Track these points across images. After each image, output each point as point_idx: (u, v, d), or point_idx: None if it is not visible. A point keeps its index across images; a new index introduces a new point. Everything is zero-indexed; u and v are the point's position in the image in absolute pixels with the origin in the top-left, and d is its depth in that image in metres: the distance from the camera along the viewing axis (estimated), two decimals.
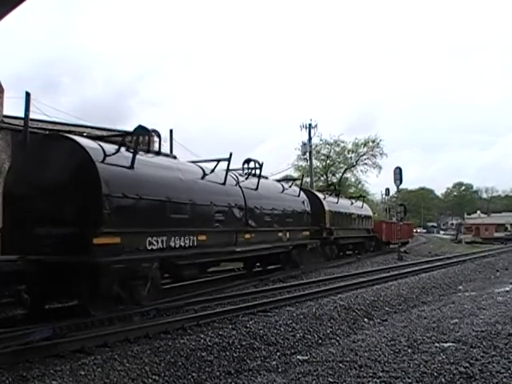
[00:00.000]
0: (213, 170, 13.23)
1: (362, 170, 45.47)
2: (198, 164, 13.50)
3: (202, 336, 7.65)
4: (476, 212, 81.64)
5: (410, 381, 5.56)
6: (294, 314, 9.36)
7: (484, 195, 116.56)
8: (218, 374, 6.28)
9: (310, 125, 36.37)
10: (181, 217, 11.12)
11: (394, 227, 33.39)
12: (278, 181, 20.77)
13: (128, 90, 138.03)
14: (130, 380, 5.85)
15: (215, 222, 12.65)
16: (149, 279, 10.04)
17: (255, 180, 15.68)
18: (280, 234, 16.47)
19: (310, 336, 8.17)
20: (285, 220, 16.83)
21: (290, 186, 19.31)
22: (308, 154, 37.21)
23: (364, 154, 44.99)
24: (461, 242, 53.15)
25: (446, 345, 7.10)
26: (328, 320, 9.19)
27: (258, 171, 16.28)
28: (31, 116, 13.62)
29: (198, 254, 11.56)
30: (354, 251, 27.65)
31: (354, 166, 45.34)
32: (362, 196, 33.16)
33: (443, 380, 5.54)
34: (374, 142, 44.67)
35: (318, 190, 26.90)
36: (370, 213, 32.08)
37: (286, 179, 24.82)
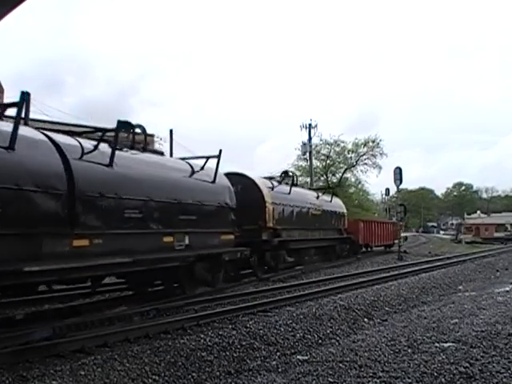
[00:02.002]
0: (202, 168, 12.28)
1: (361, 170, 45.27)
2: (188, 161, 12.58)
3: (202, 336, 7.65)
4: (476, 212, 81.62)
5: (409, 381, 5.56)
6: (294, 314, 9.36)
7: (484, 195, 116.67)
8: (218, 374, 6.29)
9: (309, 125, 36.36)
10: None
11: (374, 227, 29.28)
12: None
13: (129, 90, 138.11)
14: (129, 380, 5.85)
15: None
16: None
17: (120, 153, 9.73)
18: (168, 239, 10.48)
19: (310, 336, 8.17)
20: (177, 217, 10.73)
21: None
22: (308, 153, 37.18)
23: (364, 154, 44.82)
24: (461, 241, 53.11)
25: (446, 345, 7.10)
26: (328, 320, 9.19)
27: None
28: (31, 116, 13.59)
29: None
30: (319, 257, 21.81)
31: (353, 166, 45.18)
32: (330, 187, 27.77)
33: (443, 380, 5.54)
34: (374, 142, 44.49)
35: (268, 178, 19.22)
36: (343, 209, 25.76)
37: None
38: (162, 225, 10.29)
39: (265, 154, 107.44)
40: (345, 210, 25.92)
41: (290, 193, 18.63)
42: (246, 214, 14.52)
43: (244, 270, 15.65)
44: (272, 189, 17.38)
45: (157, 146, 24.88)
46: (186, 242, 11.00)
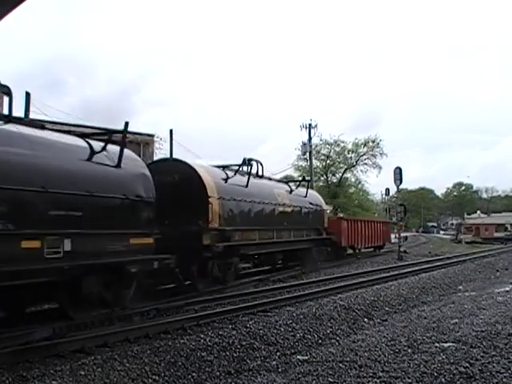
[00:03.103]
0: None
1: (362, 170, 45.33)
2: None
3: (202, 336, 7.66)
4: (476, 212, 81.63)
5: (409, 381, 5.56)
6: (294, 314, 9.36)
7: (484, 195, 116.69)
8: (218, 373, 6.29)
9: (309, 125, 36.33)
10: None
11: (361, 227, 26.00)
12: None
13: (130, 90, 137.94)
14: (129, 380, 5.85)
15: None
16: None
17: None
18: (30, 245, 7.41)
19: (310, 336, 8.17)
20: (47, 213, 7.77)
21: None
22: (308, 154, 37.18)
23: (364, 154, 44.91)
24: (461, 241, 53.06)
25: (446, 345, 7.10)
26: (328, 320, 9.19)
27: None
28: (31, 116, 13.60)
29: None
30: (291, 263, 18.49)
31: (353, 166, 45.26)
32: (305, 180, 22.52)
33: (443, 380, 5.54)
34: (374, 142, 44.59)
35: (222, 166, 15.11)
36: (322, 204, 21.81)
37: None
38: (18, 223, 7.25)
39: (266, 154, 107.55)
40: (324, 207, 22.26)
41: (247, 185, 14.59)
42: (185, 211, 11.95)
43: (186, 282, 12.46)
44: (226, 180, 13.75)
45: (156, 146, 24.90)
46: (67, 248, 7.88)
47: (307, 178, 22.02)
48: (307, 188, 20.73)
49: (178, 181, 12.53)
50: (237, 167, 15.26)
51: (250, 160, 16.01)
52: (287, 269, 17.99)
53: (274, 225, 16.22)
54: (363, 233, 26.22)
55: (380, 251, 30.12)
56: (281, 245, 16.70)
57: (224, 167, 14.93)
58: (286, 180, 20.84)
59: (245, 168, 15.59)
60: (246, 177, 14.93)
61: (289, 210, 17.61)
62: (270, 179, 18.39)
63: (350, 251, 26.12)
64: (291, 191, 18.74)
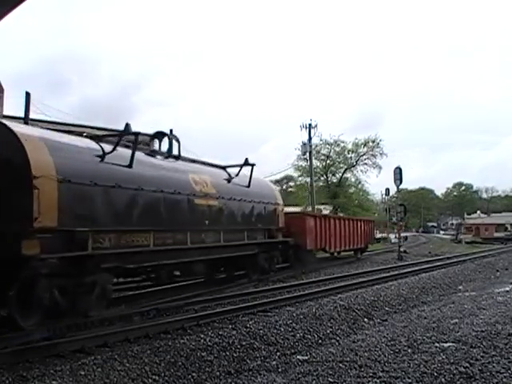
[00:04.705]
0: None
1: (362, 170, 45.28)
2: None
3: (202, 336, 7.65)
4: (476, 212, 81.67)
5: (409, 381, 5.56)
6: (294, 314, 9.36)
7: (484, 195, 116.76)
8: (218, 373, 6.28)
9: (309, 125, 36.30)
10: None
11: (334, 226, 21.76)
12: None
13: (131, 89, 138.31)
14: (129, 380, 5.85)
15: None
16: None
17: None
18: None
19: (310, 336, 8.17)
20: None
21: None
22: (308, 154, 37.16)
23: (364, 154, 44.89)
24: (461, 241, 53.09)
25: (446, 345, 7.10)
26: (328, 320, 9.19)
27: None
28: (31, 116, 13.62)
29: None
30: (225, 274, 14.90)
31: (353, 166, 45.22)
32: (248, 164, 15.26)
33: (443, 380, 5.54)
34: (374, 142, 44.56)
35: (97, 136, 10.77)
36: (276, 198, 16.83)
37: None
38: None
39: (268, 154, 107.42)
40: (279, 200, 17.14)
41: (130, 165, 10.04)
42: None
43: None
44: (101, 158, 9.48)
45: (156, 146, 24.92)
46: None
47: (251, 162, 15.17)
48: (250, 176, 15.09)
49: None
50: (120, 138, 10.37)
51: (160, 133, 12.60)
52: (231, 281, 14.13)
53: (187, 224, 11.71)
54: (338, 233, 22.13)
55: (362, 255, 26.13)
56: (201, 252, 12.15)
57: (102, 137, 10.71)
58: (223, 165, 15.02)
59: (156, 146, 12.69)
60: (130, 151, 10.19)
61: (216, 203, 12.95)
62: (193, 161, 13.61)
63: (327, 254, 22.54)
64: (229, 180, 14.33)
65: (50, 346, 6.89)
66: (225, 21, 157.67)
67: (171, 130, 20.71)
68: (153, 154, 11.94)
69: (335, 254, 23.37)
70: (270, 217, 16.17)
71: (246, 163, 15.19)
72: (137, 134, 10.38)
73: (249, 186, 14.94)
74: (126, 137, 10.59)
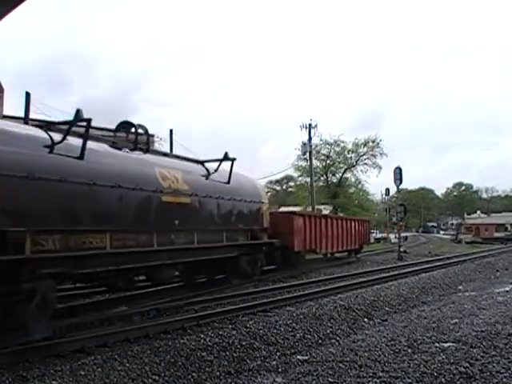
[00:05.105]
0: None
1: (362, 170, 45.35)
2: None
3: (202, 336, 7.65)
4: (476, 212, 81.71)
5: (409, 381, 5.56)
6: (294, 314, 9.36)
7: (484, 195, 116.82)
8: (218, 374, 6.29)
9: (309, 125, 36.34)
10: None
11: (326, 226, 20.60)
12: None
13: (132, 89, 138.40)
14: (129, 380, 5.85)
15: None
16: None
17: None
18: None
19: (310, 336, 8.17)
20: None
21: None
22: (308, 154, 37.17)
23: (364, 154, 44.95)
24: (461, 241, 53.12)
25: (446, 345, 7.10)
26: (328, 320, 9.19)
27: None
28: (31, 116, 13.61)
29: None
30: (205, 279, 13.97)
31: (353, 166, 45.27)
32: (228, 158, 13.92)
33: (443, 380, 5.54)
34: (373, 142, 44.62)
35: (46, 123, 9.85)
36: (259, 196, 15.57)
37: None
38: None
39: (269, 154, 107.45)
40: (265, 198, 16.09)
41: (82, 156, 8.86)
42: None
43: None
44: (50, 148, 8.37)
45: (156, 146, 24.91)
46: None
47: (231, 156, 13.88)
48: (230, 171, 13.82)
49: None
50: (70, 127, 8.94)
51: (126, 123, 11.37)
52: (213, 285, 13.13)
53: (153, 224, 10.50)
54: (330, 234, 21.00)
55: (358, 256, 25.45)
56: (171, 254, 10.92)
57: (52, 125, 9.46)
58: (202, 160, 13.84)
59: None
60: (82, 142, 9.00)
61: (188, 201, 11.69)
62: (165, 155, 12.91)
63: (319, 255, 21.28)
64: (207, 176, 13.05)
65: (50, 346, 6.89)
66: (226, 20, 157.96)
67: (171, 131, 20.38)
68: (117, 145, 10.60)
69: (328, 255, 22.49)
70: (253, 216, 14.90)
71: (226, 158, 13.89)
72: (88, 120, 8.93)
73: (228, 182, 13.72)
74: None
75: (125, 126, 11.35)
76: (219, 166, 13.81)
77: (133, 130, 11.32)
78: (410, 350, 6.86)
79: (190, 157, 14.08)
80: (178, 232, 11.21)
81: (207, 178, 12.99)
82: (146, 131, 11.47)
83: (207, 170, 13.41)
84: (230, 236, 13.36)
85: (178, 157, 13.28)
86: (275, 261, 16.78)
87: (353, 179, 46.99)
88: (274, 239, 15.96)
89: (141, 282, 12.39)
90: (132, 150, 10.83)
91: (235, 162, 13.90)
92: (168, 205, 10.95)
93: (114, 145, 10.52)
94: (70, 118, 8.89)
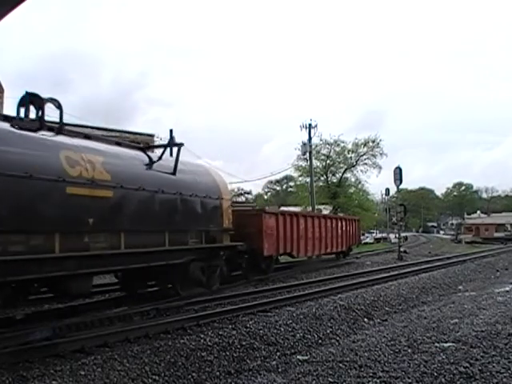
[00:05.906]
0: None
1: (362, 170, 45.32)
2: None
3: (202, 336, 7.66)
4: (476, 212, 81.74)
5: (409, 381, 5.56)
6: (294, 314, 9.36)
7: (484, 195, 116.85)
8: (218, 373, 6.29)
9: (309, 125, 36.32)
10: None
11: (305, 226, 18.14)
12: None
13: (132, 88, 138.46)
14: (129, 380, 5.85)
15: None
16: None
17: None
18: None
19: (310, 336, 8.17)
20: None
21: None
22: (308, 153, 37.16)
23: (364, 154, 44.93)
24: (461, 241, 53.11)
25: (446, 345, 7.10)
26: (328, 320, 9.19)
27: None
28: (31, 116, 13.59)
29: None
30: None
31: (353, 166, 45.25)
32: (175, 144, 12.16)
33: (443, 380, 5.54)
34: (374, 141, 44.60)
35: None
36: (218, 191, 12.77)
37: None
38: None
39: (270, 154, 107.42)
40: (226, 194, 13.28)
41: None
42: None
43: None
44: None
45: None
46: None
47: (179, 142, 12.04)
48: (176, 160, 11.44)
49: None
50: None
51: (34, 96, 8.82)
52: (161, 298, 10.99)
53: (54, 222, 8.14)
54: (311, 235, 18.57)
55: (346, 258, 23.76)
56: (82, 262, 8.48)
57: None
58: (145, 146, 12.25)
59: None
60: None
61: (110, 194, 9.26)
62: (87, 137, 10.04)
63: (303, 258, 19.37)
64: (151, 164, 10.84)
65: (49, 346, 6.88)
66: (227, 20, 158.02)
67: (171, 131, 20.25)
68: (23, 124, 8.38)
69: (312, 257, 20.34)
70: (209, 215, 12.26)
71: (173, 143, 11.99)
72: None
73: (174, 173, 11.23)
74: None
75: (32, 99, 8.87)
76: (163, 153, 11.53)
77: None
78: (410, 350, 6.86)
79: (129, 143, 12.00)
80: (94, 234, 8.84)
81: (150, 168, 10.74)
82: (59, 105, 9.03)
83: (149, 157, 11.07)
84: (174, 238, 10.91)
85: (106, 140, 10.79)
86: (241, 267, 14.73)
87: (353, 179, 46.99)
88: (238, 242, 13.47)
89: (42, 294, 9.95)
90: (37, 129, 8.47)
91: (185, 149, 11.86)
92: (77, 198, 8.48)
93: (15, 123, 8.30)
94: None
